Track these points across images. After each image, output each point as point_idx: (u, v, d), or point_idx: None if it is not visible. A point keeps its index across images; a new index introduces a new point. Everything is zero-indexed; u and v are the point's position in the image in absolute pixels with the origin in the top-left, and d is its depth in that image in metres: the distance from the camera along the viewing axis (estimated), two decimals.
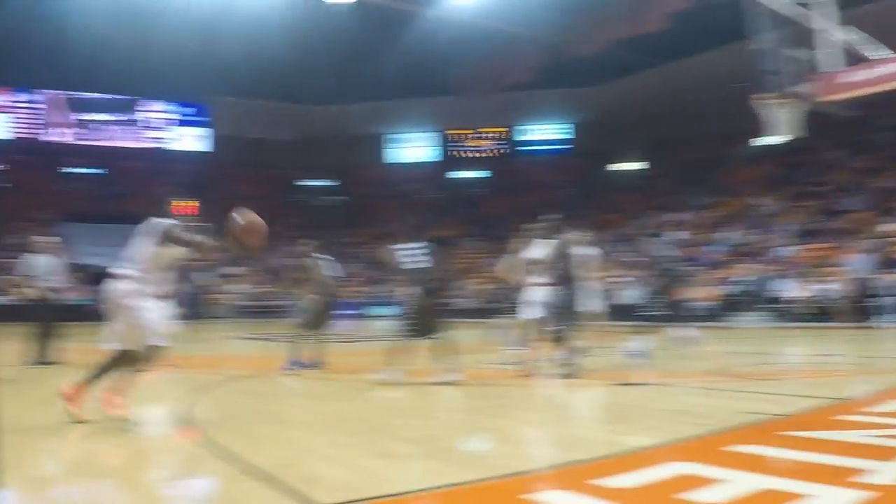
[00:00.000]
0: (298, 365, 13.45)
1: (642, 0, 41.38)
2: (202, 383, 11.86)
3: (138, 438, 7.41)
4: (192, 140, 65.73)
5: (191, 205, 50.16)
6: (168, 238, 7.42)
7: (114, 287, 7.82)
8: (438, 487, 5.48)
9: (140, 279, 7.56)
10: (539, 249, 12.62)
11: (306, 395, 10.92)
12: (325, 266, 14.48)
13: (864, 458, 5.72)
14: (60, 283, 16.37)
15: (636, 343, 14.66)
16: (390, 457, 6.59)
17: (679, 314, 15.62)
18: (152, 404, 9.67)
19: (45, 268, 15.30)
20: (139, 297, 7.67)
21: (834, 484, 5.04)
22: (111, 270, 7.70)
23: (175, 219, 7.86)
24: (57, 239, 16.53)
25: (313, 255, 14.54)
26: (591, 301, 17.96)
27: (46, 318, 15.16)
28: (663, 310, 15.09)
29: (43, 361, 15.00)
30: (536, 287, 12.45)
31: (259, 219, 7.70)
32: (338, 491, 5.26)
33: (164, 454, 6.88)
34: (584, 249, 17.62)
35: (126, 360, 8.01)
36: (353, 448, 6.95)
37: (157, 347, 7.83)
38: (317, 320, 14.17)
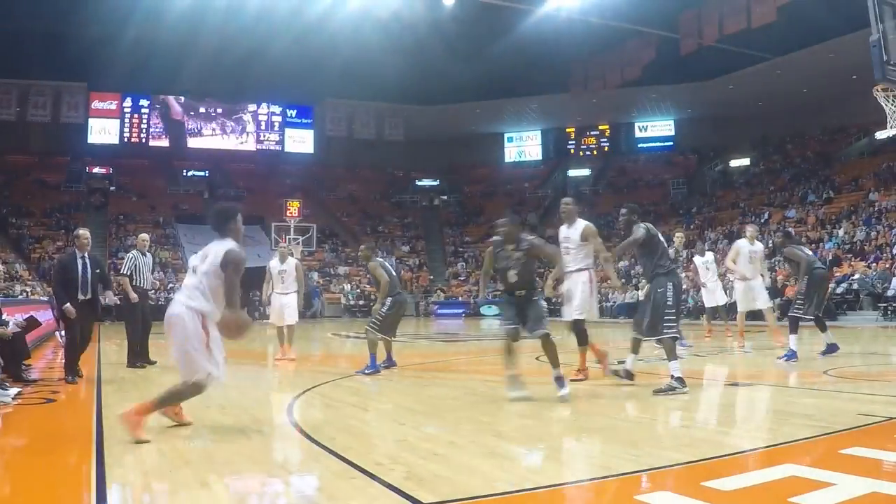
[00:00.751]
0: (374, 367, 13.39)
1: None
2: (309, 381, 11.95)
3: (245, 435, 7.48)
4: (300, 142, 66.50)
5: (298, 205, 51.01)
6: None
7: None
8: (545, 487, 5.45)
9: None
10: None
11: (411, 394, 10.93)
12: (388, 266, 14.34)
13: None
14: (154, 281, 16.58)
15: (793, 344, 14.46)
16: (496, 456, 6.57)
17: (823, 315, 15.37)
18: (259, 401, 9.76)
19: (145, 266, 15.42)
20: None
21: None
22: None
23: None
24: (147, 236, 16.54)
25: (376, 257, 14.38)
26: (760, 297, 17.68)
27: (146, 317, 15.24)
28: (814, 309, 14.89)
29: (145, 361, 15.11)
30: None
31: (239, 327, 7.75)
32: (442, 489, 5.27)
33: (270, 450, 6.95)
34: (750, 245, 17.42)
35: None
36: (457, 447, 6.96)
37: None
38: (391, 321, 14.05)
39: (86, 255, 12.63)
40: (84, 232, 12.99)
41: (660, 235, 11.21)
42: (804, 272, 14.81)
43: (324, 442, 6.99)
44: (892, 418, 7.83)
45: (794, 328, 14.55)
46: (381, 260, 14.33)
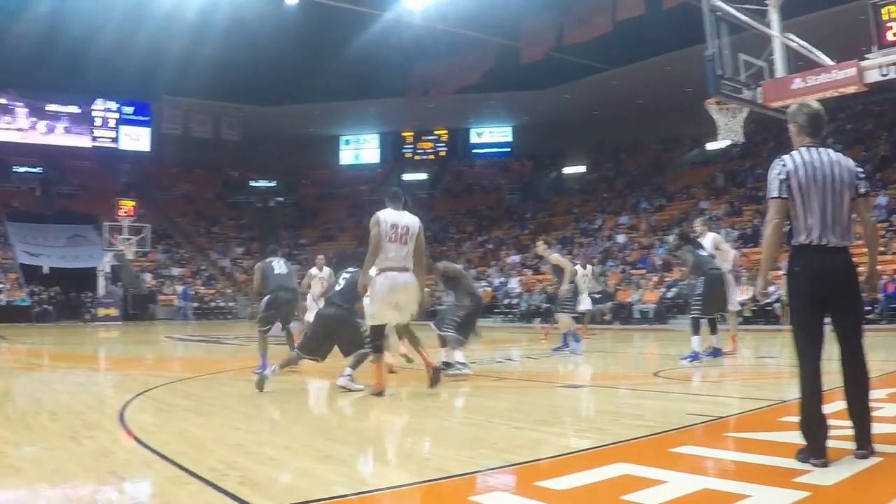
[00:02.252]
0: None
1: (588, 6, 41.46)
2: (141, 385, 11.72)
3: (76, 441, 7.29)
4: (136, 139, 64.83)
5: (132, 204, 49.97)
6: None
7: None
8: (381, 490, 5.45)
9: None
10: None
11: (245, 398, 10.79)
12: (277, 267, 14.23)
13: None
14: None
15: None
16: (331, 459, 6.52)
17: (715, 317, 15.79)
18: (91, 406, 9.54)
19: None
20: None
21: (773, 485, 5.07)
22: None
23: None
24: None
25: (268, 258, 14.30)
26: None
27: None
28: (710, 310, 15.37)
29: None
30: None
31: None
32: (278, 494, 5.24)
33: (102, 456, 6.76)
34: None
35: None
36: (292, 450, 6.90)
37: None
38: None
39: None
40: None
41: (461, 271, 13.78)
42: (699, 273, 15.19)
43: (157, 447, 6.86)
44: (720, 418, 8.08)
45: (695, 329, 14.92)
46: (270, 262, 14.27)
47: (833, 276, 5.76)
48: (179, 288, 53.48)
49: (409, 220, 10.64)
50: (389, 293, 10.35)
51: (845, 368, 5.85)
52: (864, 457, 5.71)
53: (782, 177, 5.89)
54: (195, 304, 52.14)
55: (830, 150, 5.98)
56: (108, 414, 9.18)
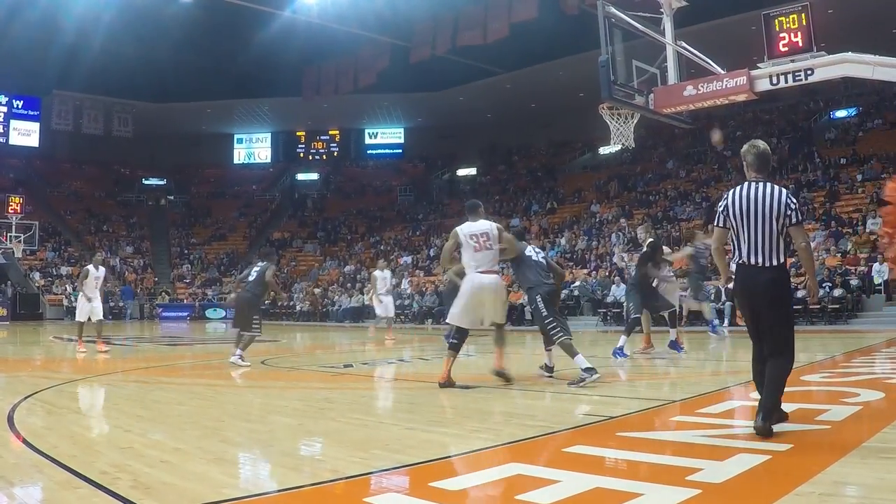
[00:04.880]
0: None
1: (483, 9, 41.60)
2: (29, 387, 11.51)
3: None
4: (26, 134, 63.18)
5: (19, 201, 48.90)
6: None
7: None
8: (273, 492, 5.42)
9: None
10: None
11: (136, 400, 10.65)
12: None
13: (695, 457, 5.87)
14: None
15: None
16: (223, 462, 6.48)
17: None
18: None
19: None
20: None
21: (665, 483, 5.15)
22: None
23: None
24: None
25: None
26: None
27: None
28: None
29: None
30: None
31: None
32: (170, 497, 5.18)
33: None
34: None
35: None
36: (184, 453, 6.81)
37: None
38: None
39: None
40: None
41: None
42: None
43: (46, 450, 6.73)
44: (611, 418, 8.19)
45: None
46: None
47: (758, 290, 6.83)
48: (69, 287, 52.52)
49: (486, 227, 11.52)
50: (474, 295, 11.01)
51: (763, 365, 6.90)
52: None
53: (720, 209, 7.11)
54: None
55: (769, 185, 6.97)
56: None
